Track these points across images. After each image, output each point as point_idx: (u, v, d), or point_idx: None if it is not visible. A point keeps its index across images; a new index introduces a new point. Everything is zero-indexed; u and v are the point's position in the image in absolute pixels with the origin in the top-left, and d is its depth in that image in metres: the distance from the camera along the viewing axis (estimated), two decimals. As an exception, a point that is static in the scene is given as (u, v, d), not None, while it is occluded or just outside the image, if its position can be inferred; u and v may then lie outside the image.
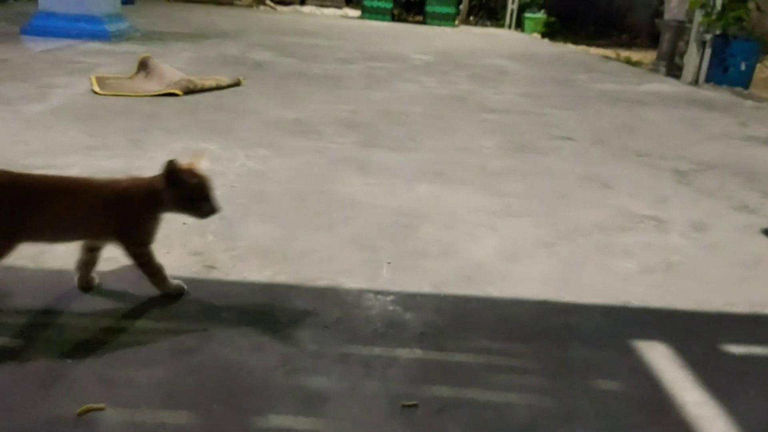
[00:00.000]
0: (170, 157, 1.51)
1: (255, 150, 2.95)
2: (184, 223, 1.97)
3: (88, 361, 1.34)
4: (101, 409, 1.20)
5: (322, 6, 13.64)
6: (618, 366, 1.49)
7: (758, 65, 8.25)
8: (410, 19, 12.92)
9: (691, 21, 6.79)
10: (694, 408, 1.35)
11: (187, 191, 1.52)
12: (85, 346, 1.39)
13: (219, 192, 2.37)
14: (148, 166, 2.61)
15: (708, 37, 6.30)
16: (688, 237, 2.33)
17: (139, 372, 1.33)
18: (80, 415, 1.19)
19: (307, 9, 13.37)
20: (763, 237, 2.39)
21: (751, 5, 6.24)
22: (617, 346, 1.57)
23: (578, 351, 1.54)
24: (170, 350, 1.41)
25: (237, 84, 4.47)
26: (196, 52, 5.87)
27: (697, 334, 1.66)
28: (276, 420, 1.22)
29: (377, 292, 1.74)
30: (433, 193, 2.58)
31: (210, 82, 4.28)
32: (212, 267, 1.80)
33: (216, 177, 2.50)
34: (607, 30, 13.96)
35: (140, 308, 1.57)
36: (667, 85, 6.31)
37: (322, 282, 1.77)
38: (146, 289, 1.61)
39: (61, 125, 3.10)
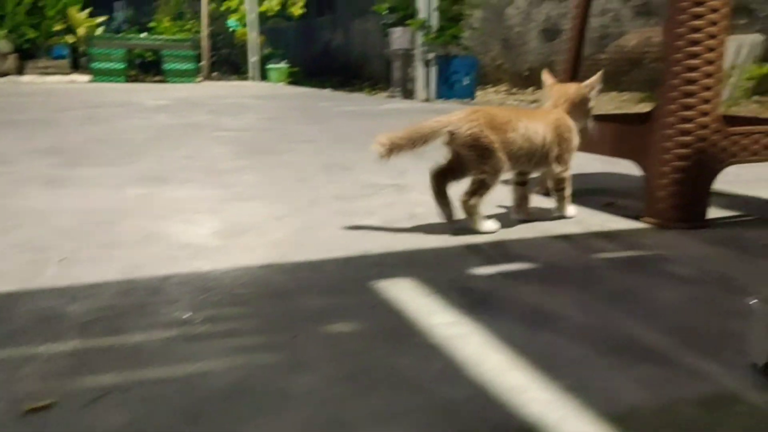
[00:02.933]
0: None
1: None
2: None
3: None
4: None
5: (44, 74, 12.31)
6: (355, 308, 1.18)
7: (481, 92, 9.14)
8: (148, 79, 12.22)
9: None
10: (444, 329, 1.09)
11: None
12: None
13: None
14: None
15: (431, 56, 6.75)
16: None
17: None
18: None
19: (26, 78, 11.93)
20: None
21: (464, 24, 6.85)
22: (354, 290, 1.27)
23: (307, 302, 1.21)
24: None
25: None
26: None
27: (443, 265, 1.43)
28: None
29: (30, 292, 1.24)
30: (145, 193, 2.13)
31: None
32: None
33: None
34: (349, 80, 14.67)
35: None
36: (404, 104, 6.59)
37: (-53, 293, 1.22)
38: None
39: None
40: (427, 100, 6.84)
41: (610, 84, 7.64)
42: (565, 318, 1.13)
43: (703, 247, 1.56)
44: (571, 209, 1.84)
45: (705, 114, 1.66)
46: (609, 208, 1.97)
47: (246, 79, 12.85)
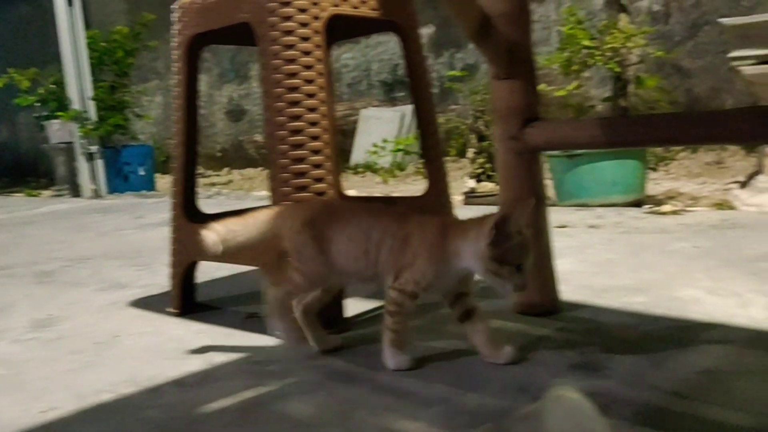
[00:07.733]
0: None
1: None
2: None
3: None
4: None
5: None
6: None
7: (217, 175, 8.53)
8: None
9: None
10: None
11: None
12: None
13: None
14: None
15: (94, 149, 6.03)
16: (25, 340, 1.64)
17: None
18: None
19: None
20: (129, 308, 1.89)
21: (128, 113, 6.31)
22: None
23: None
24: None
25: None
26: None
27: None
28: None
29: None
30: None
31: None
32: None
33: None
34: (23, 179, 12.80)
35: None
36: (66, 204, 5.71)
37: None
38: None
39: None
40: (97, 196, 6.06)
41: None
42: None
43: (317, 373, 1.30)
44: None
45: (323, 195, 1.45)
46: (248, 322, 1.64)
47: None
